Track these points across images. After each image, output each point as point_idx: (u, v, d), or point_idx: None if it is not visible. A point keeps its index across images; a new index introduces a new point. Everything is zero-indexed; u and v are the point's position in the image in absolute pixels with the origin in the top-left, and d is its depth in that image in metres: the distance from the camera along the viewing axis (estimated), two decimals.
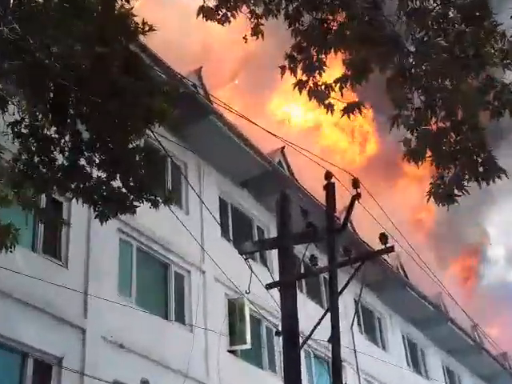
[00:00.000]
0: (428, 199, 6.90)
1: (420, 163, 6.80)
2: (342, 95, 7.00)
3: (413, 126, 6.88)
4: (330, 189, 9.74)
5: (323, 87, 7.11)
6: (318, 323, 8.82)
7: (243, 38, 7.26)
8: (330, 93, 7.01)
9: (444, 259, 36.87)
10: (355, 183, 9.30)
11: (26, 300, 11.90)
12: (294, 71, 7.10)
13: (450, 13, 6.16)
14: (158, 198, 8.86)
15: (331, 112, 7.03)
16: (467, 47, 6.13)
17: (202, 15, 7.61)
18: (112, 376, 12.74)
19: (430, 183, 6.79)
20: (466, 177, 6.66)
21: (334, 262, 8.99)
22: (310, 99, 7.08)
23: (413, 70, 6.65)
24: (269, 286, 9.08)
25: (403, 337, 26.70)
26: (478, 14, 5.99)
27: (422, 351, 28.03)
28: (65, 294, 12.52)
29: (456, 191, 6.71)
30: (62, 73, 7.92)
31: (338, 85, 6.89)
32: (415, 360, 27.25)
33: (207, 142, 17.69)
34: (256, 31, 7.23)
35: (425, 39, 6.45)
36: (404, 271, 26.81)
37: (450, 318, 27.78)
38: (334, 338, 8.63)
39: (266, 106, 28.63)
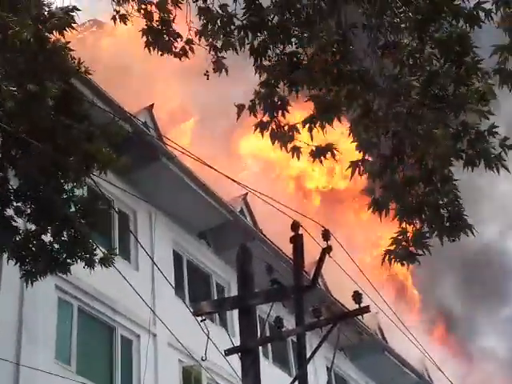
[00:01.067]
0: (383, 261, 6.94)
1: (384, 216, 6.84)
2: (312, 138, 7.00)
3: (377, 174, 6.93)
4: (297, 241, 9.69)
5: (286, 129, 7.08)
6: None
7: (204, 74, 7.27)
8: (293, 135, 7.00)
9: (428, 319, 36.84)
10: (325, 235, 9.27)
11: None
12: (253, 111, 7.07)
13: (428, 47, 6.22)
14: (95, 258, 8.72)
15: (297, 157, 7.01)
16: (445, 86, 6.19)
17: (156, 48, 7.59)
18: None
19: (390, 239, 6.84)
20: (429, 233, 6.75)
21: (303, 325, 8.89)
22: (273, 143, 7.06)
23: (381, 112, 6.70)
24: (228, 352, 8.93)
25: None
26: (458, 48, 6.06)
27: None
28: None
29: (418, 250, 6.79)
30: None
31: (307, 126, 6.89)
32: None
33: (160, 187, 17.60)
34: (218, 66, 7.24)
35: (398, 76, 6.51)
36: (382, 334, 26.75)
37: None
38: None
39: (227, 148, 28.69)
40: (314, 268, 9.36)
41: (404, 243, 6.96)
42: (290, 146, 7.14)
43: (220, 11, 6.84)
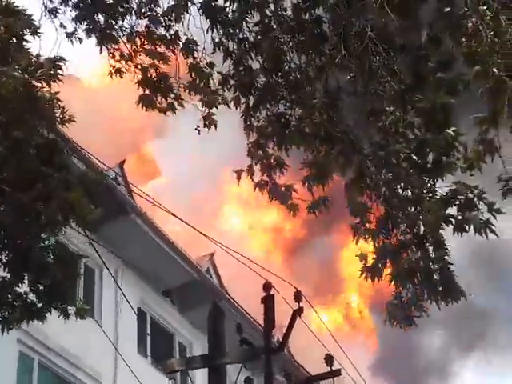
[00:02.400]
0: (385, 322, 6.99)
1: (377, 281, 6.90)
2: (312, 195, 7.16)
3: (372, 238, 7.02)
4: (268, 302, 9.72)
5: (283, 189, 7.28)
6: None
7: (195, 129, 7.37)
8: (291, 194, 7.20)
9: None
10: (297, 296, 9.33)
11: None
12: (251, 173, 7.28)
13: (410, 117, 6.38)
14: (70, 308, 8.67)
15: (294, 213, 7.22)
16: (424, 155, 6.35)
17: (141, 105, 7.70)
18: None
19: (386, 304, 6.89)
20: (425, 296, 6.80)
21: None
22: (271, 200, 7.25)
23: (373, 177, 6.84)
24: None
25: None
26: (439, 120, 6.22)
27: None
28: None
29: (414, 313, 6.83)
30: None
31: (307, 184, 7.07)
32: None
33: (127, 243, 17.51)
34: (209, 121, 7.35)
35: (381, 143, 6.66)
36: None
37: None
38: None
39: (196, 207, 28.74)
40: (284, 330, 9.38)
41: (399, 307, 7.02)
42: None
43: (208, 69, 7.02)
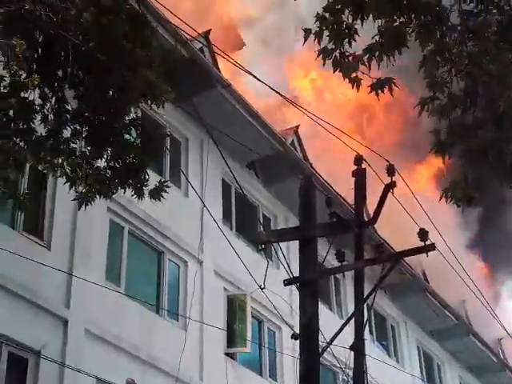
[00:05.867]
0: (440, 199, 6.91)
1: (447, 158, 6.76)
2: (369, 68, 6.87)
3: (446, 113, 6.81)
4: (359, 176, 9.61)
5: (351, 59, 6.93)
6: (341, 330, 8.72)
7: None
8: (358, 65, 6.85)
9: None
10: (390, 170, 9.17)
11: (1, 283, 11.81)
12: (320, 36, 6.89)
13: None
14: (144, 188, 8.68)
15: (357, 88, 6.90)
16: None
17: None
18: (95, 373, 12.66)
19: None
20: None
21: (363, 259, 8.88)
22: (335, 71, 6.89)
23: (455, 50, 6.52)
24: (287, 283, 8.96)
25: (418, 348, 26.70)
26: None
27: (439, 366, 28.04)
28: (46, 279, 12.43)
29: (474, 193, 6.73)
30: (54, 24, 7.70)
31: (367, 56, 6.74)
32: (431, 375, 27.28)
33: (212, 115, 17.45)
34: None
35: (474, 11, 6.32)
36: (425, 275, 26.73)
37: (472, 331, 27.76)
38: (358, 348, 8.56)
39: (278, 78, 28.33)
40: (377, 203, 9.28)
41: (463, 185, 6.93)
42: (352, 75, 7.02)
43: None
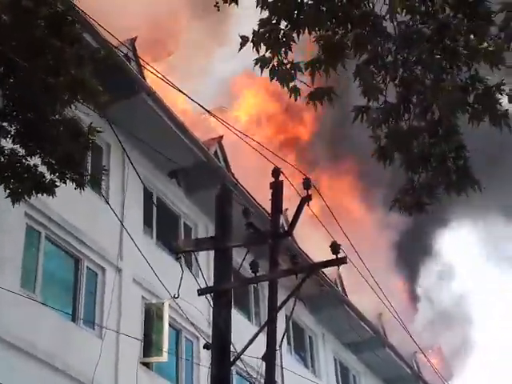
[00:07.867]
0: (391, 207, 6.99)
1: (388, 164, 6.87)
2: (312, 82, 6.90)
3: (381, 121, 6.90)
4: (277, 188, 9.76)
5: (289, 67, 6.93)
6: (252, 339, 8.81)
7: (215, 5, 7.01)
8: (295, 74, 6.90)
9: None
10: (306, 183, 9.33)
11: None
12: (257, 45, 6.87)
13: None
14: (85, 178, 8.71)
15: (295, 97, 6.91)
16: (455, 38, 6.18)
17: None
18: (7, 382, 12.44)
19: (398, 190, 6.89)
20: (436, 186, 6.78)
21: (277, 271, 9.02)
22: (272, 79, 6.87)
23: (389, 58, 6.65)
24: (201, 292, 9.04)
25: (335, 360, 27.07)
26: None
27: (355, 377, 28.48)
28: None
29: (425, 200, 6.83)
30: None
31: (309, 69, 6.80)
32: None
33: (135, 121, 17.41)
34: None
35: (409, 23, 6.46)
36: (342, 286, 27.13)
37: (388, 344, 28.28)
38: (270, 358, 8.67)
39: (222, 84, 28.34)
40: (293, 215, 9.45)
41: (410, 192, 6.97)
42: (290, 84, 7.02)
43: None
